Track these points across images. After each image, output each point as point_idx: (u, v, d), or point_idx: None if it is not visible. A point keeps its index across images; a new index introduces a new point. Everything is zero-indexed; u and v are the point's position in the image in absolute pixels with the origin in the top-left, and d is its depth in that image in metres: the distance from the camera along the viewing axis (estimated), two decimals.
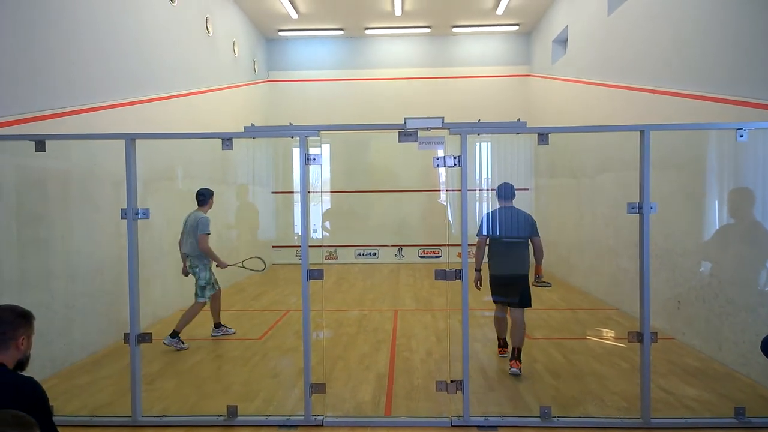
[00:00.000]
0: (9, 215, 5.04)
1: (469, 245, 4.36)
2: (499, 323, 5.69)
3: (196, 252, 6.35)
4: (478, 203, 13.29)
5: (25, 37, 5.12)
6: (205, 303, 6.47)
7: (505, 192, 5.45)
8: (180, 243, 6.62)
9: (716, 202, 5.84)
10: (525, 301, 5.33)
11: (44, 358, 5.12)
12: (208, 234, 6.33)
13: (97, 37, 6.31)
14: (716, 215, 5.85)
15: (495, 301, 5.53)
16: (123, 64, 6.88)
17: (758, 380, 4.83)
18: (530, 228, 5.39)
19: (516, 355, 5.20)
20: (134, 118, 7.00)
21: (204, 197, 6.54)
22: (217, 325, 6.80)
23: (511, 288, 5.36)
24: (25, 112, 5.07)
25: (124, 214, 4.19)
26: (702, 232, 6.06)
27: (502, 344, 5.74)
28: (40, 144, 4.24)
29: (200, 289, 6.39)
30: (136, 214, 4.20)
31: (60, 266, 5.62)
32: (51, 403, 2.44)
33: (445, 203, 13.56)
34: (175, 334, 6.17)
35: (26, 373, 2.54)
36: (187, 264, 6.50)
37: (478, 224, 5.55)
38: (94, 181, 6.12)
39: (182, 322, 6.25)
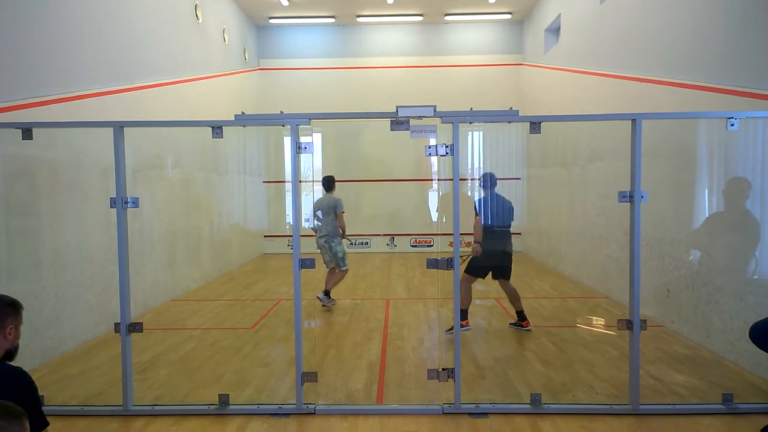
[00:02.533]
0: None
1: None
2: (469, 294, 6.20)
3: (335, 229, 7.39)
4: (470, 192, 13.29)
5: (10, 25, 5.04)
6: (346, 271, 7.52)
7: (492, 180, 6.13)
8: (315, 222, 7.64)
9: (706, 191, 5.87)
10: (510, 273, 6.23)
11: (34, 348, 5.09)
12: (344, 212, 7.44)
13: (84, 24, 6.21)
14: (706, 204, 5.88)
15: (476, 275, 6.11)
16: (111, 51, 6.79)
17: (746, 367, 4.89)
18: (512, 212, 6.20)
19: (524, 316, 6.20)
20: (123, 105, 6.93)
21: (331, 182, 7.55)
22: (327, 293, 7.52)
23: (503, 261, 6.14)
24: (11, 100, 5.00)
25: (113, 203, 4.15)
26: (691, 221, 6.10)
27: (467, 316, 6.19)
28: (27, 132, 4.18)
29: (341, 260, 7.43)
30: (126, 203, 4.16)
31: (49, 255, 5.57)
32: (41, 393, 2.43)
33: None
34: (327, 293, 7.42)
35: (15, 363, 2.52)
36: (323, 241, 7.42)
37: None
38: (83, 169, 6.05)
39: (331, 284, 7.48)
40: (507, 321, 6.74)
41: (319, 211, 7.48)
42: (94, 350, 5.70)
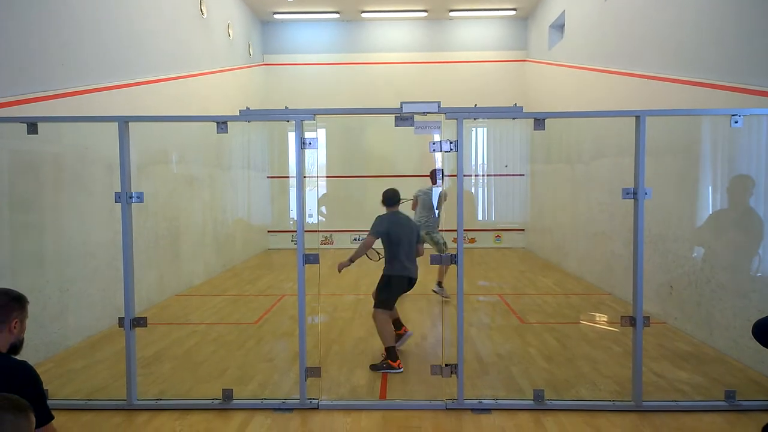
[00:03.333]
0: (1, 199, 5.01)
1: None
2: (392, 328, 5.20)
3: (434, 221, 7.70)
4: (474, 188, 13.28)
5: (16, 20, 5.05)
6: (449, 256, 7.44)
7: (396, 198, 5.44)
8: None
9: (710, 188, 5.85)
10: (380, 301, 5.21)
11: (39, 343, 5.12)
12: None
13: (89, 19, 6.22)
14: (710, 201, 5.86)
15: (390, 308, 5.20)
16: (116, 46, 6.80)
17: (749, 364, 4.88)
18: (418, 232, 5.49)
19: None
20: (127, 100, 6.94)
21: (438, 177, 7.75)
22: (440, 283, 7.75)
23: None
24: (16, 95, 5.01)
25: (117, 197, 4.16)
26: (695, 218, 6.08)
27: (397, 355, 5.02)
28: (32, 126, 4.19)
29: (443, 245, 7.66)
30: (130, 197, 4.17)
31: (53, 250, 5.59)
32: (46, 387, 2.45)
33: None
34: (440, 284, 7.68)
35: (20, 357, 2.53)
36: (425, 233, 7.40)
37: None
38: (88, 164, 6.07)
39: (441, 274, 7.73)
40: (510, 317, 6.75)
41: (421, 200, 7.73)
42: (98, 345, 5.73)
